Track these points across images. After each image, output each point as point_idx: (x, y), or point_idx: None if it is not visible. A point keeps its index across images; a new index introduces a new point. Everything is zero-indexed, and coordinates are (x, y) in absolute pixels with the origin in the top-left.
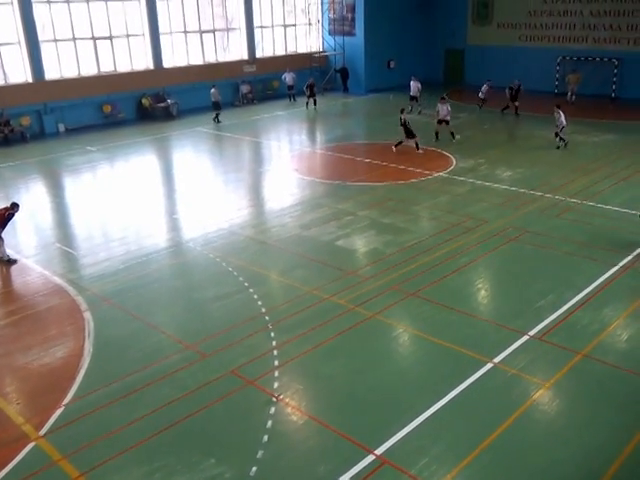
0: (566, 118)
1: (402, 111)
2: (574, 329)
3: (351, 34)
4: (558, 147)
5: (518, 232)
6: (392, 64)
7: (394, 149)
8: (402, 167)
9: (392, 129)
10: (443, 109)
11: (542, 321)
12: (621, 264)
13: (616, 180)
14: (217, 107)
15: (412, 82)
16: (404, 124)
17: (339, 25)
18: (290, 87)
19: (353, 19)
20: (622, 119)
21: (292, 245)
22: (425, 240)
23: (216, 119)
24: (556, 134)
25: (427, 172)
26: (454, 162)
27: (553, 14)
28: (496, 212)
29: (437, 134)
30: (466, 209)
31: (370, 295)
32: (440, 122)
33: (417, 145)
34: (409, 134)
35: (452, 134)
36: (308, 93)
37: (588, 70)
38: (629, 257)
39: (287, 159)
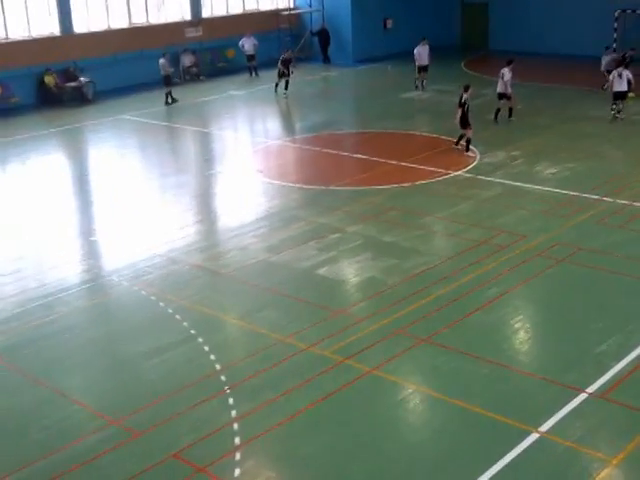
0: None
1: (467, 89)
2: None
3: None
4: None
5: (569, 250)
6: (389, 23)
7: (457, 147)
8: (407, 164)
9: (392, 112)
10: (507, 76)
11: (605, 373)
12: None
13: None
14: (168, 82)
15: (421, 47)
16: (463, 106)
17: None
18: (250, 57)
19: None
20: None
21: (256, 276)
22: (440, 265)
23: (169, 99)
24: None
25: (441, 170)
26: (478, 156)
27: None
28: (538, 224)
29: (497, 113)
30: (496, 220)
31: (366, 343)
32: (501, 97)
33: (467, 142)
34: (465, 123)
35: (510, 111)
36: (282, 71)
37: None
38: None
39: (248, 156)
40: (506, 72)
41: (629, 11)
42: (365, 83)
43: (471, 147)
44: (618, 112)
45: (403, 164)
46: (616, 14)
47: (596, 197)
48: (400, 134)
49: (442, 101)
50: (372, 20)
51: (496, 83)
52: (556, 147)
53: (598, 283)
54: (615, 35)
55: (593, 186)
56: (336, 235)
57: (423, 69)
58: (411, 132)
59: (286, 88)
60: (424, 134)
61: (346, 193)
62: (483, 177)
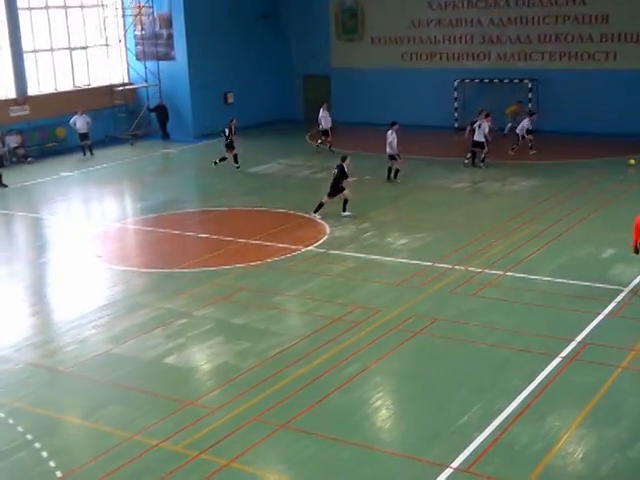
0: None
1: (344, 159)
2: (512, 452)
3: (169, 58)
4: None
5: (424, 322)
6: (231, 98)
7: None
8: (256, 242)
9: (238, 188)
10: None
11: (468, 445)
12: (563, 354)
13: (545, 240)
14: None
15: (322, 112)
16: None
17: (151, 46)
18: (83, 136)
19: (170, 37)
20: (545, 159)
21: (98, 370)
22: (296, 345)
23: None
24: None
25: (291, 247)
26: (327, 230)
27: (444, 24)
28: (392, 296)
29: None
30: (350, 295)
31: (221, 434)
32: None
33: (343, 204)
34: (336, 190)
35: (396, 172)
36: (229, 141)
37: (494, 95)
38: (572, 344)
39: (86, 241)
40: (389, 134)
41: (467, 80)
42: (207, 159)
43: (322, 220)
44: (474, 160)
45: (252, 242)
46: (455, 83)
47: (448, 266)
48: (248, 211)
49: (290, 175)
50: (212, 94)
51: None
52: (405, 217)
53: (456, 353)
54: (456, 104)
55: (444, 255)
56: (184, 320)
57: (323, 133)
58: (259, 208)
59: (237, 161)
60: (273, 210)
61: (193, 275)
62: (334, 251)
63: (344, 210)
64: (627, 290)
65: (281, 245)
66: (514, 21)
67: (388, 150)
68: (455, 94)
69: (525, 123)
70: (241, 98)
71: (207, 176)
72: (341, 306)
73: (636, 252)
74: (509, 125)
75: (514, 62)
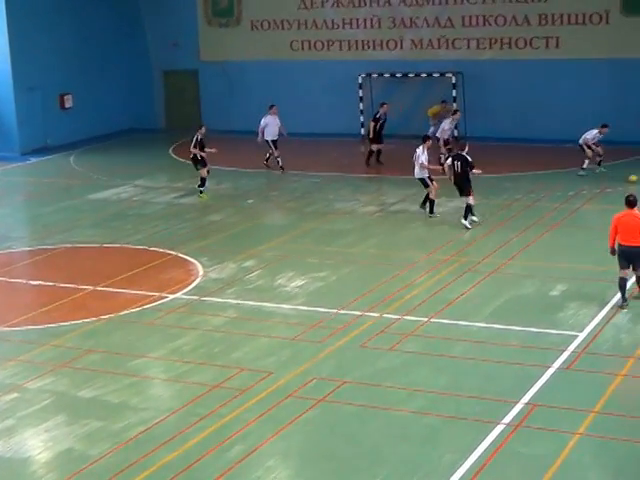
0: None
1: (463, 148)
2: None
3: None
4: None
5: (329, 386)
6: (69, 101)
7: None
8: (106, 289)
9: (81, 219)
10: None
11: None
12: (506, 420)
13: (479, 276)
14: None
15: (269, 117)
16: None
17: None
18: None
19: None
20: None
21: None
22: (164, 422)
23: None
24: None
25: (153, 294)
26: (200, 271)
27: (343, 3)
28: (287, 354)
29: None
30: (232, 355)
31: None
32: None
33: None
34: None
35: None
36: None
37: (409, 93)
38: (516, 407)
39: None
40: (419, 152)
41: (375, 74)
42: (40, 182)
43: (181, 256)
44: None
45: (101, 289)
46: (360, 78)
47: (358, 313)
48: (94, 249)
49: (148, 201)
50: (44, 98)
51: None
52: (301, 251)
53: (370, 425)
54: (361, 105)
55: (351, 299)
56: (13, 395)
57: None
58: (109, 245)
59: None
60: (127, 246)
61: (23, 335)
62: (210, 298)
63: (432, 212)
64: (583, 336)
65: (140, 292)
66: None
67: (417, 172)
68: (360, 92)
69: (446, 124)
70: (82, 101)
71: (40, 204)
72: (221, 369)
73: (613, 253)
74: (431, 130)
75: (433, 51)
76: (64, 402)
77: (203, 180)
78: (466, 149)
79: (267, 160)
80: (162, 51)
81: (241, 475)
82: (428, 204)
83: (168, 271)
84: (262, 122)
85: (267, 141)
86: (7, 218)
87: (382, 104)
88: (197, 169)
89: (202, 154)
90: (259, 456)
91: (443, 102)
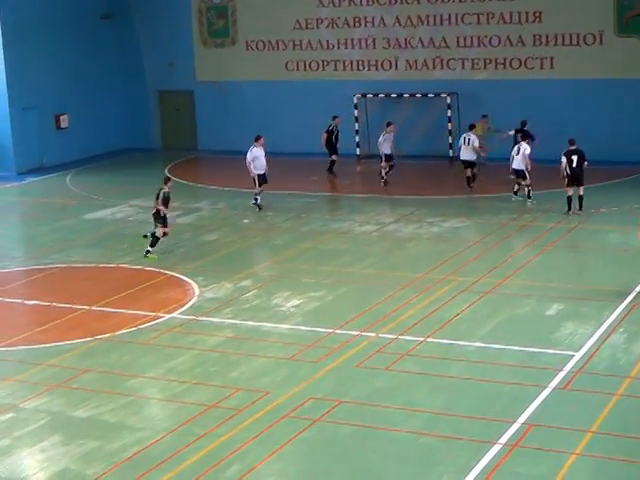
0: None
1: (572, 143)
2: None
3: None
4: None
5: (326, 406)
6: (65, 121)
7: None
8: (103, 309)
9: (77, 239)
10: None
11: None
12: (503, 440)
13: (475, 296)
14: None
15: (256, 150)
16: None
17: None
18: None
19: None
20: (470, 192)
21: None
22: (160, 442)
23: None
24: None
25: (149, 314)
26: (196, 290)
27: (338, 24)
28: (283, 374)
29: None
30: (228, 374)
31: None
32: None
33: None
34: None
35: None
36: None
37: (404, 113)
38: (513, 427)
39: None
40: (522, 148)
41: (370, 95)
42: (36, 202)
43: (177, 275)
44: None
45: (97, 309)
46: (355, 99)
47: (354, 333)
48: (90, 268)
49: (145, 220)
50: (40, 117)
51: None
52: (297, 271)
53: (367, 445)
54: (357, 126)
55: (349, 318)
56: (8, 415)
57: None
58: (105, 265)
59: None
60: (123, 266)
61: (19, 355)
62: (206, 318)
63: (529, 196)
64: (579, 356)
65: (136, 312)
66: (426, 20)
67: (514, 165)
68: (355, 113)
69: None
70: (79, 121)
71: (36, 224)
72: (217, 389)
73: None
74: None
75: (428, 72)
76: (60, 422)
77: (156, 240)
78: (575, 145)
79: (258, 194)
80: (158, 71)
81: None
82: (526, 191)
83: (164, 291)
84: (249, 156)
85: (256, 175)
86: (3, 238)
87: (336, 119)
88: (155, 225)
89: (166, 211)
90: (256, 476)
91: (484, 117)
